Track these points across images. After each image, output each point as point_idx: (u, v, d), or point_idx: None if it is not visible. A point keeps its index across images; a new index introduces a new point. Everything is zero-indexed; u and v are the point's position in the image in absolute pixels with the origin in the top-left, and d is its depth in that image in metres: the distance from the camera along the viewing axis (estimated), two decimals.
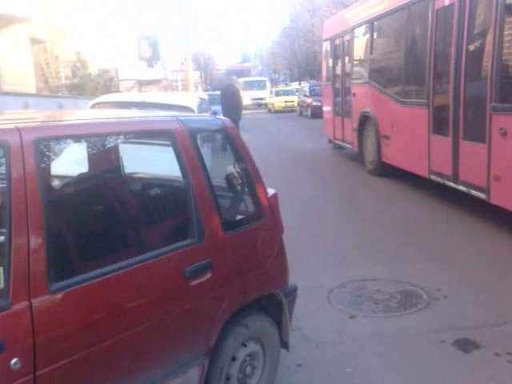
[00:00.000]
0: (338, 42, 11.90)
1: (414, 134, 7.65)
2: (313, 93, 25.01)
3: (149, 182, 3.13)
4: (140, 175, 3.37)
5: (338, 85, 11.94)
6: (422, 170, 7.44)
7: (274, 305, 2.93)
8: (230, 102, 13.06)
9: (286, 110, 29.46)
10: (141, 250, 2.28)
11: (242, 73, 47.25)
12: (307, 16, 43.61)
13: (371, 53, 9.68)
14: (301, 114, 26.72)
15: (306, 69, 48.82)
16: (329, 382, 3.14)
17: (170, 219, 2.68)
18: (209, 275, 2.43)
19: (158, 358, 2.26)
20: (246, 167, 2.82)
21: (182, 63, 31.06)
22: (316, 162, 11.72)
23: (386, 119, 8.84)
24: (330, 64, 12.66)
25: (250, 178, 2.83)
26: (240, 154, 2.82)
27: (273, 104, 31.27)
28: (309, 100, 24.85)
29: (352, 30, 10.71)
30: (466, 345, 3.43)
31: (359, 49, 10.64)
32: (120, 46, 31.86)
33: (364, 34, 10.26)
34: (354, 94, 10.54)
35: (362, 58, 10.45)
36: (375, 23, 9.52)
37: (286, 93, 32.27)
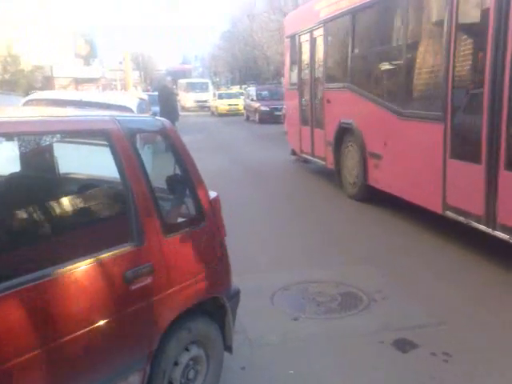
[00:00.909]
0: (305, 38, 9.95)
1: (420, 156, 5.86)
2: (260, 97, 24.08)
3: (86, 184, 3.00)
4: (76, 176, 3.24)
5: (305, 89, 10.07)
6: (432, 204, 5.64)
7: (217, 308, 2.90)
8: (166, 103, 13.14)
9: (230, 114, 28.60)
10: (78, 254, 2.17)
11: (182, 74, 46.70)
12: (247, 21, 43.90)
13: (353, 50, 7.82)
14: (248, 118, 25.39)
15: (248, 72, 49.13)
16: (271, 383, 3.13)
17: (108, 222, 2.59)
18: (149, 279, 2.37)
19: (96, 365, 2.18)
20: (187, 169, 2.78)
21: (121, 62, 30.35)
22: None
23: (376, 134, 7.01)
24: (296, 64, 10.66)
25: (191, 180, 2.78)
26: (180, 155, 2.77)
27: (216, 107, 30.34)
28: (256, 104, 23.64)
29: (324, 23, 8.78)
30: (404, 345, 3.51)
31: (335, 46, 8.85)
32: (55, 42, 30.71)
33: (342, 28, 8.28)
34: (329, 101, 8.67)
35: (340, 57, 8.57)
36: (359, 13, 7.55)
37: (230, 96, 31.42)
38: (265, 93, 24.66)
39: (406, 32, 6.26)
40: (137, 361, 2.36)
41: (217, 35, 56.41)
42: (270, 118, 21.63)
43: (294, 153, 11.25)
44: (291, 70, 11.15)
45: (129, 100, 8.13)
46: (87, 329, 2.11)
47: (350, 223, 6.75)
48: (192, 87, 36.88)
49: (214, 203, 2.94)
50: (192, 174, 2.80)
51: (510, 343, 3.53)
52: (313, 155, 9.77)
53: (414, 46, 6.15)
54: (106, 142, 2.43)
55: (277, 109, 21.08)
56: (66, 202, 2.87)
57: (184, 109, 33.12)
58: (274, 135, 17.08)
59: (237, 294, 3.08)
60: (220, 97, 31.08)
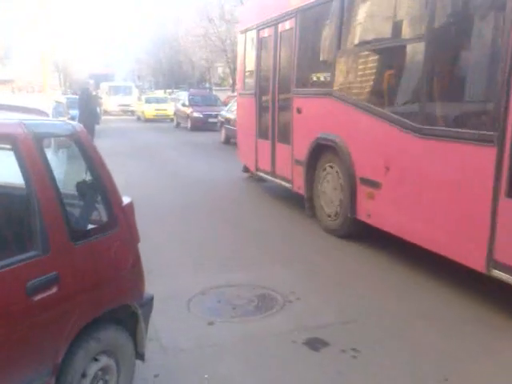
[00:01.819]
0: (267, 32, 8.20)
1: (451, 190, 4.33)
2: (192, 102, 22.46)
3: None
4: None
5: (266, 95, 8.29)
6: (468, 257, 4.22)
7: (128, 316, 2.86)
8: (86, 107, 12.84)
9: (158, 119, 27.39)
10: None
11: (105, 77, 45.54)
12: (172, 25, 43.68)
13: (339, 47, 6.09)
14: (178, 125, 24.04)
15: (172, 77, 48.78)
16: None
17: (11, 230, 2.49)
18: (55, 289, 2.30)
19: None
20: (99, 175, 2.73)
21: (38, 63, 29.04)
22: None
23: (373, 155, 5.40)
24: (253, 64, 8.84)
25: (103, 185, 2.74)
26: (92, 160, 2.72)
27: (143, 112, 28.68)
28: (188, 110, 22.11)
29: (297, 13, 7.04)
30: (315, 343, 3.64)
31: (312, 41, 7.08)
32: None
33: (324, 18, 6.61)
34: (300, 111, 6.97)
35: (319, 55, 6.89)
36: None
37: (158, 100, 30.04)
38: (197, 98, 23.30)
39: (437, 13, 4.49)
40: (40, 374, 2.28)
41: (142, 39, 55.57)
42: (204, 125, 20.83)
43: (246, 169, 9.71)
44: (246, 71, 9.49)
45: (44, 103, 7.87)
46: None
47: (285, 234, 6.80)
48: (115, 91, 35.96)
49: (128, 209, 2.91)
50: (104, 179, 2.76)
51: (414, 338, 3.75)
52: (273, 175, 8.06)
53: (446, 35, 4.51)
54: (10, 147, 2.35)
55: (211, 115, 20.41)
56: None
57: (106, 112, 32.25)
58: (211, 145, 16.62)
59: (150, 300, 3.04)
60: (147, 101, 29.59)
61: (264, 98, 8.41)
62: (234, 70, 38.99)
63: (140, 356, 2.94)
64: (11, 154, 2.36)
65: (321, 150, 6.56)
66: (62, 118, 7.55)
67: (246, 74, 9.52)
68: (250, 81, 9.16)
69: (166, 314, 3.92)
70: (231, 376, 3.27)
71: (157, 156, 13.98)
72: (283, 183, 7.74)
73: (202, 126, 20.93)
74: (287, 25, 7.48)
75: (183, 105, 23.25)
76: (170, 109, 27.38)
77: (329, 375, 3.28)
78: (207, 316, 4.08)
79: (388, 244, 5.65)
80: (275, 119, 7.95)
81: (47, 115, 6.48)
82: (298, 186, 7.18)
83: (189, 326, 3.92)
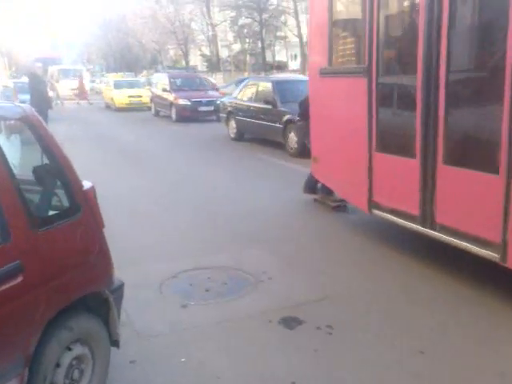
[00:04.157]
0: None
1: None
2: (175, 86, 18.55)
3: None
4: None
5: (402, 70, 4.76)
6: None
7: (100, 303, 2.76)
8: (37, 92, 12.42)
9: (132, 108, 22.18)
10: None
11: (53, 61, 43.80)
12: (118, 6, 42.62)
13: None
14: (157, 114, 19.93)
15: (122, 60, 47.66)
16: (162, 374, 3.07)
17: None
18: (20, 278, 2.17)
19: None
20: (55, 158, 2.60)
21: None
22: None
23: None
24: (361, 16, 4.93)
25: (61, 169, 2.60)
26: (46, 144, 2.59)
27: (112, 99, 23.00)
28: (171, 96, 17.96)
29: None
30: (290, 322, 3.61)
31: None
32: None
33: None
34: None
35: None
36: None
37: (131, 85, 24.53)
38: (180, 81, 19.52)
39: None
40: (11, 366, 2.18)
41: (90, 21, 53.98)
42: (193, 114, 17.15)
43: (311, 189, 6.76)
44: (335, 31, 5.59)
45: None
46: None
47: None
48: (65, 74, 34.58)
49: (89, 193, 2.78)
50: (61, 163, 2.62)
51: (389, 313, 3.76)
52: (427, 223, 4.31)
53: None
54: None
55: (201, 103, 17.12)
56: None
57: (58, 97, 31.01)
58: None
59: (120, 287, 2.95)
60: (117, 86, 23.78)
61: (395, 79, 4.83)
62: (186, 53, 38.37)
63: (114, 343, 2.86)
64: None
65: None
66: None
67: (336, 34, 5.59)
68: (351, 49, 5.42)
69: (138, 300, 3.81)
70: (208, 358, 3.21)
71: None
72: (468, 245, 3.92)
73: (190, 115, 17.17)
74: None
75: (164, 90, 19.03)
76: (145, 95, 22.72)
77: (306, 353, 3.25)
78: (180, 299, 3.99)
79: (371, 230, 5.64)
80: (435, 119, 4.09)
81: None
82: None
83: (162, 310, 3.83)
